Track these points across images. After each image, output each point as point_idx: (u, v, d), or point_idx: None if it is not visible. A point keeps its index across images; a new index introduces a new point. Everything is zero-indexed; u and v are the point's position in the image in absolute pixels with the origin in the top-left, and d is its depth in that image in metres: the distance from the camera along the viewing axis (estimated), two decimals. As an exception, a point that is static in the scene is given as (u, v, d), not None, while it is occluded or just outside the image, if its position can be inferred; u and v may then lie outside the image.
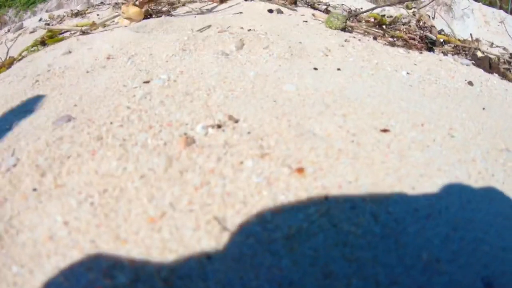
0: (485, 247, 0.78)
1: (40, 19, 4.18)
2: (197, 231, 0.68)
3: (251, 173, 0.80)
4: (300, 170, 0.80)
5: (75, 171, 0.99)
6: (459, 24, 4.36)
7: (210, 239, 0.66)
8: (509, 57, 2.92)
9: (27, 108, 1.45)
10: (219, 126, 1.00)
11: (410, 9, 4.47)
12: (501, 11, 4.91)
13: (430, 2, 4.56)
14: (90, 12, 3.55)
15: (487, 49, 3.19)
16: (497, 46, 3.44)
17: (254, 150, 0.88)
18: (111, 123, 1.20)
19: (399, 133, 1.18)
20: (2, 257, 0.74)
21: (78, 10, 3.67)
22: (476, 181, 1.00)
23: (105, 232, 0.76)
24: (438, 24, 3.44)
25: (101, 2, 3.86)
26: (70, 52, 2.20)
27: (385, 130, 1.17)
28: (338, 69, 1.73)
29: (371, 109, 1.30)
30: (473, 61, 2.59)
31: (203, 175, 0.80)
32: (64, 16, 3.66)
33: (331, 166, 0.87)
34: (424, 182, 0.97)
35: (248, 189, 0.76)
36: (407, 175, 0.97)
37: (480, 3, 4.85)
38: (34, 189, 0.93)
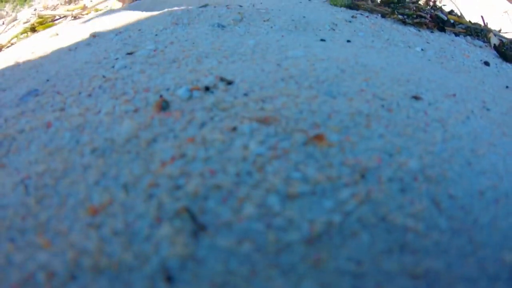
0: None
1: (35, 9, 3.85)
2: (155, 229, 0.37)
3: (248, 142, 0.49)
4: (320, 138, 0.50)
5: (23, 147, 0.69)
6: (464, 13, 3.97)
7: (175, 244, 0.36)
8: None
9: (0, 87, 1.16)
10: (207, 89, 0.70)
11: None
12: (505, 1, 4.56)
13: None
14: None
15: (496, 35, 2.87)
16: (505, 32, 3.14)
17: (253, 112, 0.57)
18: (80, 93, 0.90)
19: (433, 101, 0.87)
20: None
21: None
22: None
23: (30, 228, 0.46)
24: (445, 7, 3.11)
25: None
26: (57, 34, 1.90)
27: (416, 97, 0.86)
28: (348, 41, 1.42)
29: (394, 76, 0.98)
30: (486, 43, 2.29)
31: (178, 146, 0.49)
32: (57, 4, 3.34)
33: (361, 134, 0.57)
34: (479, 158, 0.66)
35: (242, 164, 0.46)
36: (458, 148, 0.66)
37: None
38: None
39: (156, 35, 1.43)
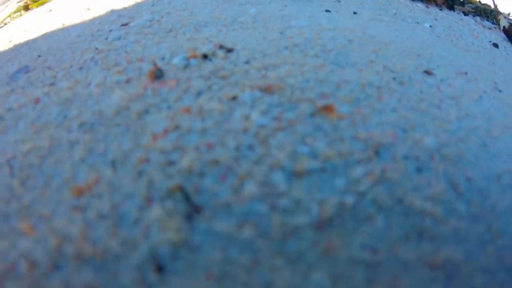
0: None
1: None
2: (145, 211, 0.33)
3: (250, 112, 0.44)
4: (329, 109, 0.45)
5: (11, 126, 0.64)
6: None
7: (167, 229, 0.31)
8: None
9: None
10: (205, 56, 0.64)
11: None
12: None
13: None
14: None
15: (505, 18, 2.77)
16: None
17: (254, 80, 0.52)
18: (71, 66, 0.84)
19: (445, 78, 0.81)
20: None
21: None
22: None
23: (13, 212, 0.41)
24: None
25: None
26: (50, 10, 1.82)
27: (428, 72, 0.80)
28: (355, 13, 1.34)
29: (404, 50, 0.92)
30: (496, 25, 2.22)
31: (171, 117, 0.44)
32: None
33: (373, 107, 0.51)
34: (494, 140, 0.61)
35: (243, 136, 0.41)
36: (473, 127, 0.61)
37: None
38: None
39: (153, 5, 1.35)
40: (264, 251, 0.29)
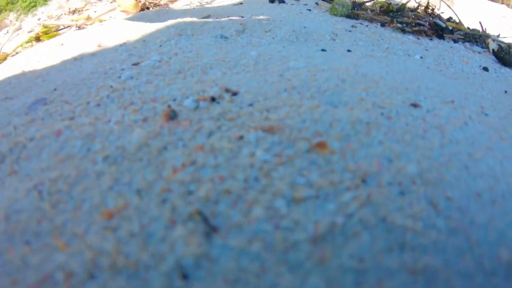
0: None
1: (39, 19, 3.92)
2: (170, 231, 0.40)
3: (255, 149, 0.52)
4: (323, 146, 0.53)
5: (34, 155, 0.73)
6: (462, 18, 4.02)
7: (190, 244, 0.39)
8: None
9: (7, 95, 1.19)
10: (213, 99, 0.73)
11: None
12: (503, 6, 4.63)
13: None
14: (87, 9, 3.29)
15: (494, 40, 2.91)
16: (504, 37, 3.18)
17: (258, 122, 0.61)
18: (88, 103, 0.93)
19: (431, 109, 0.90)
20: None
21: (75, 8, 3.42)
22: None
23: (45, 231, 0.49)
24: (444, 14, 3.17)
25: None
26: (62, 44, 1.95)
27: (415, 105, 0.89)
28: (349, 51, 1.46)
29: (393, 85, 1.02)
30: (485, 49, 2.34)
31: (188, 154, 0.52)
32: (61, 14, 3.42)
33: (361, 141, 0.60)
34: (476, 162, 0.69)
35: (250, 170, 0.49)
36: (455, 152, 0.70)
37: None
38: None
39: (160, 46, 1.47)
40: (270, 260, 0.36)
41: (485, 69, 1.89)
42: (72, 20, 2.43)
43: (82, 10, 3.35)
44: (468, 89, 1.32)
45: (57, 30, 2.52)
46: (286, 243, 0.39)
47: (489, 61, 2.13)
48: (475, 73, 1.71)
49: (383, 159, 0.55)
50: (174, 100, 0.82)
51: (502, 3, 4.55)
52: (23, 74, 1.40)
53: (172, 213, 0.43)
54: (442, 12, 2.99)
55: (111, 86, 1.01)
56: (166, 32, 1.65)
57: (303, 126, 0.61)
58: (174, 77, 1.03)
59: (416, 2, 2.27)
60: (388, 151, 0.59)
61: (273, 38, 1.51)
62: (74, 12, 3.31)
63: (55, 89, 1.10)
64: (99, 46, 1.66)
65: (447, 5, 2.53)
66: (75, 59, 1.48)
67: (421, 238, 0.42)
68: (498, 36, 2.97)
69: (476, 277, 0.42)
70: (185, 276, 0.35)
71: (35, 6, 4.03)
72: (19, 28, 3.78)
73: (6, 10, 4.32)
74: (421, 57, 1.71)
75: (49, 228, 0.50)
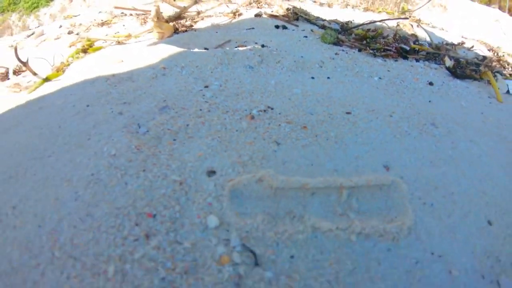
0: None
1: (60, 26, 5.72)
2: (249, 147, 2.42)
3: (284, 128, 2.52)
4: (305, 127, 2.55)
5: (197, 130, 2.75)
6: (455, 24, 6.04)
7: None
8: (479, 60, 4.72)
9: (124, 101, 3.18)
10: (264, 111, 2.76)
11: (406, 11, 6.34)
12: (497, 10, 6.67)
13: (426, 4, 6.36)
14: (115, 23, 5.17)
15: (465, 52, 5.03)
16: (474, 50, 5.25)
17: (283, 120, 2.62)
18: (200, 110, 2.95)
19: (356, 114, 2.96)
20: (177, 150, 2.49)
21: (104, 20, 5.33)
22: (396, 135, 2.80)
23: (228, 155, 2.49)
24: (423, 32, 5.28)
25: (122, 12, 5.53)
26: (122, 61, 3.89)
27: (348, 112, 2.96)
28: (328, 78, 3.51)
29: (343, 102, 3.08)
30: (442, 65, 4.36)
31: (264, 130, 2.53)
32: (90, 25, 5.32)
33: (322, 126, 2.61)
34: (373, 139, 2.75)
35: (283, 133, 2.49)
36: (361, 131, 2.75)
37: (475, 2, 6.56)
38: (174, 140, 2.68)
39: (212, 72, 3.47)
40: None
41: (431, 83, 3.82)
42: (114, 36, 4.39)
43: (110, 23, 5.27)
44: (396, 101, 3.36)
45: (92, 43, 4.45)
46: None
47: (442, 75, 4.10)
48: (416, 89, 3.67)
49: (329, 132, 2.60)
50: (245, 110, 2.85)
51: (499, 6, 6.55)
52: (114, 85, 3.39)
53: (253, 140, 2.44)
54: (428, 24, 5.16)
55: (206, 102, 3.05)
56: (211, 61, 3.65)
57: (299, 121, 2.64)
58: (235, 98, 3.05)
59: (389, 28, 4.34)
60: (331, 128, 2.64)
61: (281, 68, 3.55)
62: (102, 24, 5.23)
63: (164, 100, 3.12)
64: (164, 68, 3.67)
65: (422, 28, 4.62)
66: (152, 77, 3.49)
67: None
68: (472, 47, 5.08)
69: None
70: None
71: (37, 7, 5.75)
72: (41, 34, 5.64)
73: (8, 11, 6.08)
74: (379, 78, 3.69)
75: (228, 153, 2.53)
